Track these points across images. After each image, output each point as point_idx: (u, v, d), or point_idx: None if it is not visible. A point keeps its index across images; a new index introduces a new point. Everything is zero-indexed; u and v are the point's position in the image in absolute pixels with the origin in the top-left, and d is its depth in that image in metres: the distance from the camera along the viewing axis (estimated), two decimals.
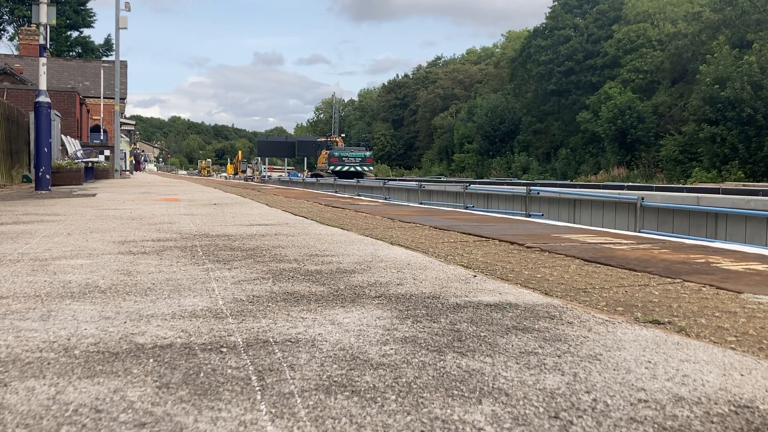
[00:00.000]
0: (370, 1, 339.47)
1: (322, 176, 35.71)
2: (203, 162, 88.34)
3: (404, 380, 1.28)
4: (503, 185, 20.69)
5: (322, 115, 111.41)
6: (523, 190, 14.15)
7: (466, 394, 1.20)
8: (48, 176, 10.60)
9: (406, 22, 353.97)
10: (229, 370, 1.33)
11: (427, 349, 1.50)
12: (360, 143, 44.03)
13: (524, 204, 13.97)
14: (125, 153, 36.04)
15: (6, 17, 50.37)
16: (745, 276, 2.52)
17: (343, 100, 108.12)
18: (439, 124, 67.40)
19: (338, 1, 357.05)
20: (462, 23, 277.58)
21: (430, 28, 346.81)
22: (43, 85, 10.80)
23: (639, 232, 8.77)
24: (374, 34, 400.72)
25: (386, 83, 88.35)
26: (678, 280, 2.41)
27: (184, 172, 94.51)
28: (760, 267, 2.75)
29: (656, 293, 2.18)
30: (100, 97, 33.88)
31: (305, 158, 55.37)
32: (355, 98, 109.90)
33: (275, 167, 59.68)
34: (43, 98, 10.60)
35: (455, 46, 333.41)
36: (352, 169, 36.35)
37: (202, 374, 1.30)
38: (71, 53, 50.61)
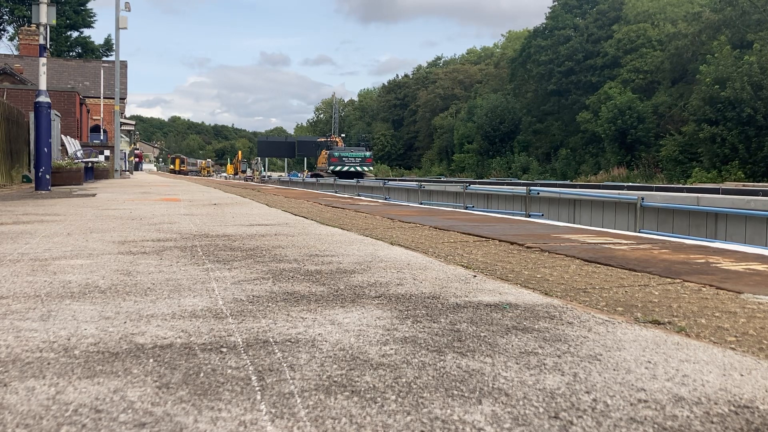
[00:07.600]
0: (377, 3, 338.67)
1: (322, 176, 35.74)
2: (204, 162, 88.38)
3: (404, 380, 1.28)
4: (503, 185, 20.69)
5: (322, 115, 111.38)
6: (523, 190, 14.15)
7: (466, 394, 1.20)
8: (48, 176, 10.60)
9: (413, 24, 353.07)
10: (229, 370, 1.33)
11: (427, 349, 1.50)
12: (360, 143, 44.04)
13: (524, 204, 13.97)
14: (125, 153, 36.04)
15: (6, 17, 50.40)
16: (745, 276, 2.52)
17: (343, 100, 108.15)
18: (439, 125, 67.35)
19: (346, 3, 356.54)
20: (467, 24, 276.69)
21: (436, 29, 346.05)
22: (43, 85, 10.80)
23: (639, 232, 8.77)
24: (381, 35, 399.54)
25: (386, 83, 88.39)
26: (678, 281, 2.41)
27: None
28: (760, 267, 2.75)
29: (656, 293, 2.18)
30: (100, 97, 33.91)
31: (305, 158, 55.40)
32: (355, 98, 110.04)
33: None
34: (43, 98, 10.60)
35: (457, 46, 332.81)
36: (352, 169, 36.36)
37: (202, 374, 1.30)
38: (71, 53, 50.65)
